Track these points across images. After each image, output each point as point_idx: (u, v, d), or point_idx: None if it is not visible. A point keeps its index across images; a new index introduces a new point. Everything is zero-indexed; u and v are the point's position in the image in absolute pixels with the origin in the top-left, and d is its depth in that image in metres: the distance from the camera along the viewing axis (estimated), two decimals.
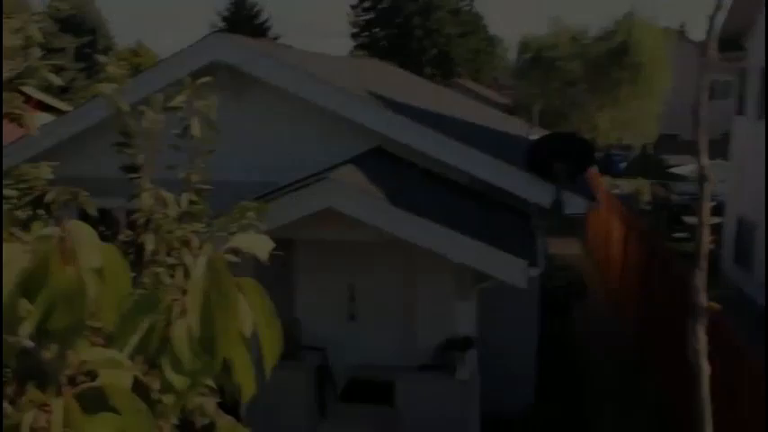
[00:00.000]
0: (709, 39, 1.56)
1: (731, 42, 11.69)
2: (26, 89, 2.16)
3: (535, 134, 10.43)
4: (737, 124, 12.65)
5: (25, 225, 1.91)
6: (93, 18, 36.43)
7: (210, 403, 1.65)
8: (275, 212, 4.96)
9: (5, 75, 2.06)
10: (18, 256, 0.97)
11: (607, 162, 25.18)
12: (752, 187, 10.77)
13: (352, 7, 38.25)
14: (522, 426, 6.57)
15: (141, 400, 0.99)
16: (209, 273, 1.06)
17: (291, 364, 5.85)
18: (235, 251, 1.26)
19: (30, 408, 0.95)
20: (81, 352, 1.00)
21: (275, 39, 35.71)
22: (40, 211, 1.96)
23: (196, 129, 2.03)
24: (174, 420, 1.36)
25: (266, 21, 38.75)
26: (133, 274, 1.73)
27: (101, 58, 2.02)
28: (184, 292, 1.09)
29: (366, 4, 37.98)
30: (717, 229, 12.45)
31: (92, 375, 1.00)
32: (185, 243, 1.94)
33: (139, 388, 1.12)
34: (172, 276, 1.86)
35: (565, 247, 13.96)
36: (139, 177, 1.95)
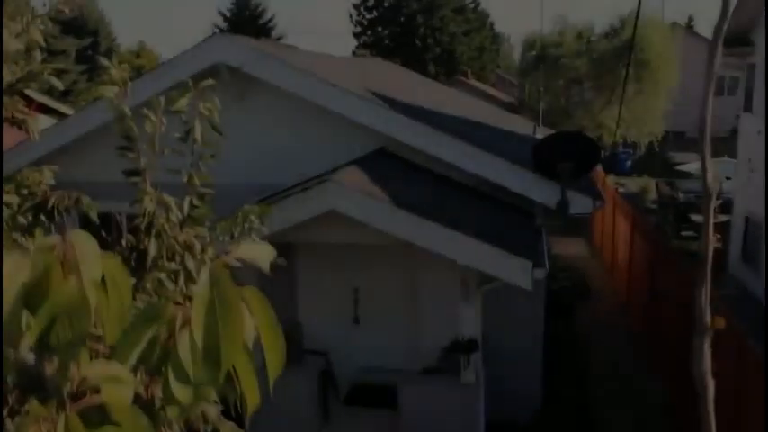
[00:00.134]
0: (715, 45, 1.53)
1: (739, 38, 11.58)
2: (28, 92, 2.15)
3: (540, 133, 10.38)
4: (745, 121, 12.55)
5: (27, 231, 1.90)
6: (96, 20, 36.55)
7: (213, 410, 1.63)
8: (278, 215, 4.95)
9: (7, 78, 2.04)
10: (19, 268, 0.95)
11: (613, 160, 25.06)
12: (759, 185, 10.67)
13: (355, 6, 38.23)
14: (528, 430, 6.53)
15: (143, 414, 0.97)
16: (213, 283, 1.04)
17: (294, 369, 5.83)
18: (238, 258, 1.24)
19: (32, 422, 0.94)
20: (83, 365, 0.98)
21: (278, 39, 35.71)
22: (42, 217, 1.94)
23: (199, 132, 2.01)
24: (177, 430, 1.35)
25: (270, 21, 38.76)
26: (135, 280, 1.71)
27: (103, 61, 2.00)
28: (187, 297, 1.07)
29: (369, 3, 37.95)
30: (724, 227, 12.39)
31: (94, 389, 0.99)
32: (188, 247, 1.92)
33: (142, 399, 1.10)
34: (174, 281, 1.84)
35: (570, 248, 13.90)
36: (141, 181, 1.93)
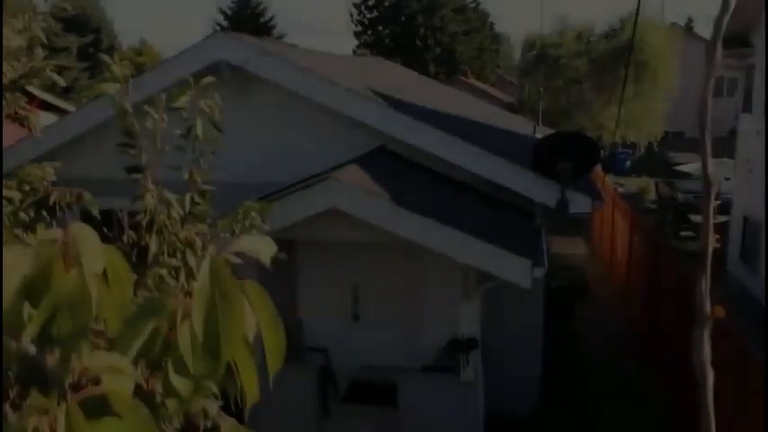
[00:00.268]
0: (715, 41, 1.54)
1: (738, 39, 11.59)
2: (30, 89, 2.15)
3: (540, 133, 10.39)
4: (743, 122, 12.56)
5: (29, 226, 1.91)
6: (97, 17, 36.53)
7: (213, 405, 1.64)
8: (278, 213, 4.96)
9: (10, 75, 2.05)
10: (21, 261, 0.96)
11: (612, 160, 25.08)
12: (758, 185, 10.68)
13: (356, 5, 38.22)
14: (527, 427, 6.55)
15: (144, 405, 0.98)
16: (213, 276, 1.05)
17: (294, 366, 5.85)
18: (238, 254, 1.25)
19: (33, 413, 0.95)
20: (84, 357, 0.99)
21: (279, 38, 35.70)
22: (44, 213, 1.95)
23: (200, 129, 2.02)
24: (177, 424, 1.36)
25: (271, 19, 38.75)
26: (136, 276, 1.72)
27: (104, 58, 2.01)
28: (188, 293, 1.08)
29: (370, 3, 37.94)
30: (723, 228, 12.40)
31: (95, 380, 1.00)
32: (189, 244, 1.93)
33: (142, 392, 1.11)
34: (175, 278, 1.86)
35: (569, 247, 13.91)
36: (143, 178, 1.94)
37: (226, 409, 1.60)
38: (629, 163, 25.96)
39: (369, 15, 38.38)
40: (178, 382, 1.05)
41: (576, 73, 23.42)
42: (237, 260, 1.31)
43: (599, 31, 24.67)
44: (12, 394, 1.06)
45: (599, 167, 15.43)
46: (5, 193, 1.92)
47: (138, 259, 1.88)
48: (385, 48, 35.13)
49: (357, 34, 38.56)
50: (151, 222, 1.91)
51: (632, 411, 7.34)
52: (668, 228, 15.61)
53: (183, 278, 1.84)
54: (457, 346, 5.80)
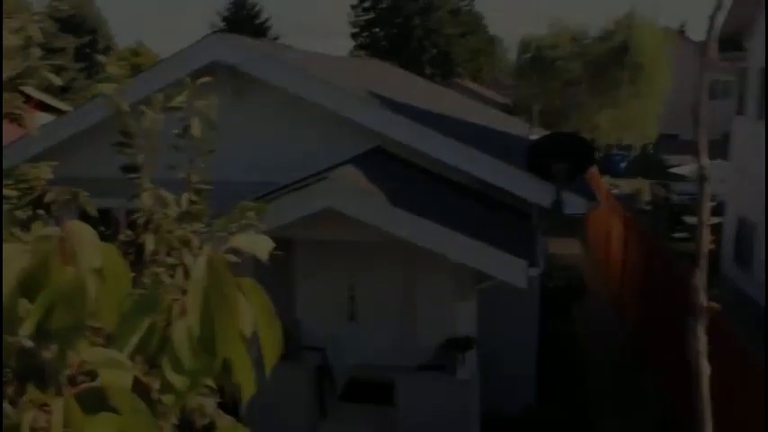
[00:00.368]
0: (709, 40, 1.56)
1: (731, 42, 11.68)
2: (26, 89, 2.16)
3: (535, 134, 10.43)
4: (737, 124, 12.65)
5: (25, 225, 1.91)
6: (94, 18, 36.44)
7: (210, 403, 1.65)
8: (275, 212, 4.97)
9: (6, 75, 2.06)
10: (18, 256, 0.97)
11: (607, 162, 25.20)
12: (752, 187, 10.76)
13: (353, 7, 38.26)
14: (523, 426, 6.56)
15: (141, 401, 0.99)
16: (210, 273, 1.06)
17: (291, 365, 5.85)
18: (235, 251, 1.26)
19: (30, 408, 0.95)
20: (81, 352, 1.00)
21: (275, 39, 35.70)
22: (40, 212, 1.96)
23: (196, 129, 2.03)
24: (174, 420, 1.37)
25: (266, 21, 38.76)
26: (133, 275, 1.73)
27: (101, 58, 2.02)
28: (184, 292, 1.09)
29: (366, 4, 37.99)
30: (717, 230, 12.48)
31: (92, 375, 1.01)
32: (185, 243, 1.94)
33: (139, 388, 1.12)
34: (172, 276, 1.86)
35: (565, 248, 13.96)
36: (139, 177, 1.95)
37: (223, 406, 1.61)
38: (623, 164, 26.08)
39: (365, 17, 38.45)
40: (174, 378, 1.06)
41: (571, 75, 23.53)
42: (234, 258, 1.32)
43: (594, 33, 24.80)
44: (9, 389, 1.07)
45: (594, 169, 15.51)
46: (3, 191, 1.92)
47: (135, 258, 1.89)
48: (381, 49, 35.20)
49: (354, 36, 38.62)
50: (148, 221, 1.91)
51: (630, 411, 7.37)
52: (662, 229, 15.69)
53: (179, 276, 1.84)
54: (453, 345, 5.82)
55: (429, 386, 5.91)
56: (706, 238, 1.62)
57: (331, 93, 6.53)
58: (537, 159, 6.35)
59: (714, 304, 1.67)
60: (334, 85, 6.60)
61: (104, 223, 1.83)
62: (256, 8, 38.43)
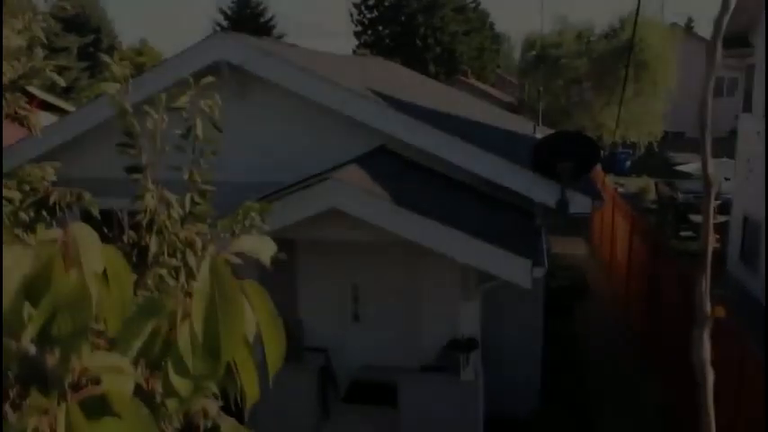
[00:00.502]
0: (716, 40, 1.54)
1: (738, 39, 11.59)
2: (30, 89, 2.15)
3: (540, 133, 10.38)
4: (744, 122, 12.56)
5: (29, 227, 1.91)
6: (97, 17, 36.53)
7: (213, 405, 1.64)
8: (279, 213, 4.96)
9: (10, 75, 2.05)
10: (21, 261, 0.96)
11: (612, 160, 25.07)
12: (758, 185, 10.68)
13: (356, 5, 38.20)
14: (527, 427, 6.54)
15: (144, 405, 0.98)
16: (213, 277, 1.05)
17: (294, 366, 5.85)
18: (238, 254, 1.25)
19: (33, 413, 0.95)
20: (84, 357, 0.99)
21: (279, 38, 35.69)
22: (44, 213, 1.95)
23: (200, 129, 2.02)
24: (177, 424, 1.36)
25: (270, 19, 38.75)
26: (137, 276, 1.72)
27: (104, 58, 2.01)
28: (188, 293, 1.08)
29: (370, 3, 37.93)
30: (723, 228, 12.40)
31: (95, 380, 1.00)
32: (189, 244, 1.93)
33: (142, 392, 1.11)
34: (175, 278, 1.85)
35: (569, 247, 13.91)
36: (143, 178, 1.94)
37: (226, 409, 1.60)
38: (629, 163, 25.95)
39: (369, 15, 38.38)
40: (178, 382, 1.05)
41: (576, 73, 23.41)
42: (237, 260, 1.31)
43: (599, 31, 24.68)
44: (12, 394, 1.06)
45: (599, 167, 15.44)
46: (5, 193, 1.92)
47: (139, 259, 1.88)
48: (385, 48, 35.13)
49: (357, 34, 38.56)
50: (151, 222, 1.90)
51: (632, 411, 7.34)
52: (668, 228, 15.61)
53: (183, 278, 1.84)
54: (457, 345, 5.80)
55: (433, 387, 5.90)
56: (709, 242, 1.61)
57: (335, 92, 6.51)
58: (542, 158, 6.31)
59: (719, 309, 1.65)
60: (338, 84, 6.58)
61: (108, 224, 1.82)
62: (261, 6, 38.43)
